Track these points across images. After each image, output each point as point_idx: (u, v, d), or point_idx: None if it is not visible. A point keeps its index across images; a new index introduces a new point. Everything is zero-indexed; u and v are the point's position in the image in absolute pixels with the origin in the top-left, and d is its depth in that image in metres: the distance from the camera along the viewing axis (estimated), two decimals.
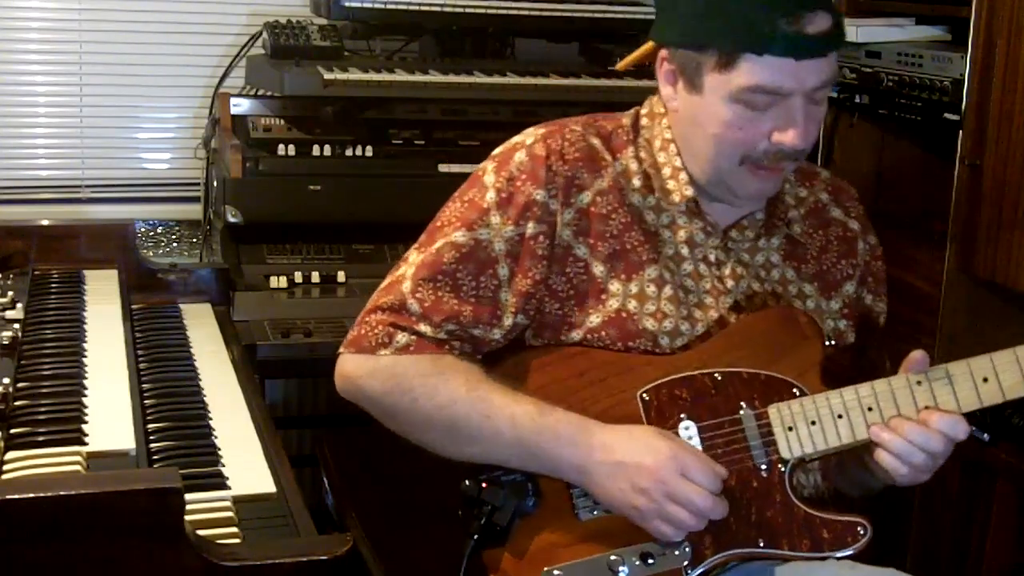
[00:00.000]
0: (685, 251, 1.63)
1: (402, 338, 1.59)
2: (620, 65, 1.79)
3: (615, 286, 1.61)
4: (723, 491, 1.51)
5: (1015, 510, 2.37)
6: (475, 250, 1.61)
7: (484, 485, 1.57)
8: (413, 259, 1.64)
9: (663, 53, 1.60)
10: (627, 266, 1.61)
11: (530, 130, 1.68)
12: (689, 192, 1.62)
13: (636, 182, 1.64)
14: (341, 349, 1.64)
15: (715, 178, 1.60)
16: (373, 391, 1.61)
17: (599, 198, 1.62)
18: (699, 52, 1.53)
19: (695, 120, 1.58)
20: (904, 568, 1.57)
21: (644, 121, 1.69)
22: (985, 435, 2.33)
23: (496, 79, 2.89)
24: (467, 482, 1.58)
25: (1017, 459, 2.33)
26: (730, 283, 1.64)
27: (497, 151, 1.69)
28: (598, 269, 1.61)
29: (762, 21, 1.47)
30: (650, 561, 1.52)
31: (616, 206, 1.62)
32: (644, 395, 1.57)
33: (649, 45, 1.66)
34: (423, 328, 1.59)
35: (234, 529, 1.50)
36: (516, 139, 1.68)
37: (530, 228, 1.60)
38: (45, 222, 2.55)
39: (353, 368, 1.62)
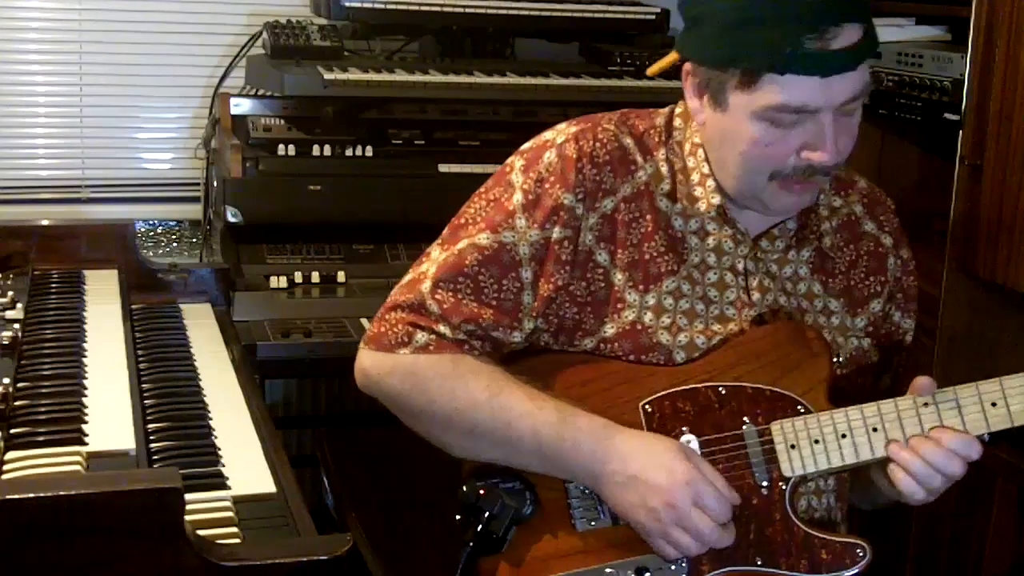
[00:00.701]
0: (712, 259, 1.59)
1: (421, 337, 1.56)
2: (651, 70, 1.75)
3: (632, 296, 1.57)
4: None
5: (1015, 510, 2.37)
6: (499, 253, 1.57)
7: (482, 492, 1.54)
8: (435, 256, 1.60)
9: (688, 66, 1.56)
10: (645, 276, 1.58)
11: (561, 126, 1.63)
12: (716, 200, 1.58)
13: (665, 186, 1.60)
14: (361, 344, 1.62)
15: (747, 192, 1.55)
16: (391, 389, 1.59)
17: (624, 204, 1.58)
18: (721, 71, 1.49)
19: (723, 136, 1.54)
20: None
21: (677, 122, 1.64)
22: (985, 435, 2.34)
23: (496, 79, 2.89)
24: (464, 488, 1.56)
25: (1017, 459, 2.33)
26: (756, 295, 1.60)
27: (526, 147, 1.64)
28: (617, 277, 1.58)
29: (786, 39, 1.42)
30: (646, 575, 1.51)
31: (642, 212, 1.58)
32: (646, 406, 1.54)
33: (675, 54, 1.62)
34: (442, 329, 1.56)
35: (234, 529, 1.50)
36: (546, 136, 1.63)
37: (556, 232, 1.56)
38: (45, 222, 2.55)
39: (372, 365, 1.60)
